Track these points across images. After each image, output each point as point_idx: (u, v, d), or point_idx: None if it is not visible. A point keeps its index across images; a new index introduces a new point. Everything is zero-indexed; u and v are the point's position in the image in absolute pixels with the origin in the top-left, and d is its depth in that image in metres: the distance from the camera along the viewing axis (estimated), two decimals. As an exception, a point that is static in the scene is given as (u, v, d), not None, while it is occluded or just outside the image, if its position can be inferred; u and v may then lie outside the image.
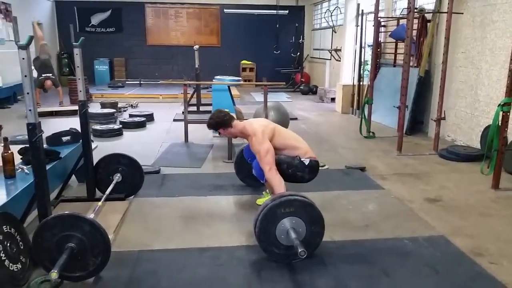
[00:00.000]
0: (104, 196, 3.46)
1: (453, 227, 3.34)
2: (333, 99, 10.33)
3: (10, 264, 2.31)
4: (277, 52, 14.04)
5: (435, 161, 5.31)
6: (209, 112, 7.30)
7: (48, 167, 2.97)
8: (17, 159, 3.23)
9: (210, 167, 5.02)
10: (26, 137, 2.51)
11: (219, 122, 3.46)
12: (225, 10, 14.58)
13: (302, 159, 3.36)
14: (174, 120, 7.84)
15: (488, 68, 5.52)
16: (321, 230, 2.78)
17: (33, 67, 8.34)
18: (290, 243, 2.65)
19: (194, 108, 8.43)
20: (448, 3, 5.61)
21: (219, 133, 3.56)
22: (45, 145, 3.37)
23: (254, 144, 3.30)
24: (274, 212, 2.68)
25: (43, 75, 8.77)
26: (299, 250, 2.47)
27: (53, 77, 8.97)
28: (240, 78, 9.47)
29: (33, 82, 2.43)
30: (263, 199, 3.73)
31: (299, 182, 3.43)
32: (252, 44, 14.83)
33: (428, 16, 6.82)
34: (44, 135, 2.92)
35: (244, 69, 14.54)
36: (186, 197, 3.93)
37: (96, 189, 3.74)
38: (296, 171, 3.36)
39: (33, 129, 2.44)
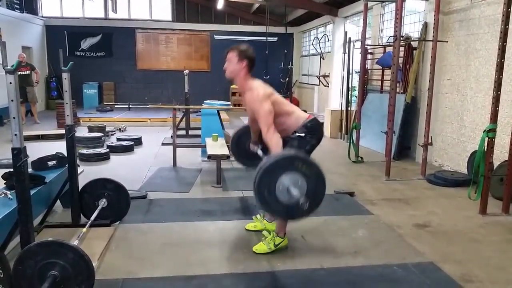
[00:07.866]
0: (89, 222, 3.39)
1: (442, 253, 3.33)
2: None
3: (-11, 294, 2.23)
4: (266, 77, 14.14)
5: (423, 186, 5.34)
6: (198, 136, 7.31)
7: (32, 192, 2.91)
8: (1, 183, 3.18)
9: (198, 192, 4.97)
10: (11, 161, 2.46)
11: (240, 48, 3.27)
12: (215, 37, 14.78)
13: (298, 134, 3.18)
14: (163, 144, 7.77)
15: (473, 95, 5.64)
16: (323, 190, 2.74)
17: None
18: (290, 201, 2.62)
19: (183, 132, 8.41)
20: (433, 32, 5.77)
21: (227, 53, 3.28)
22: (30, 170, 3.31)
23: (253, 100, 3.09)
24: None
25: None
26: (301, 201, 2.51)
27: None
28: (230, 103, 9.59)
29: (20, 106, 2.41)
30: (253, 224, 3.70)
31: (312, 151, 3.23)
32: (241, 69, 14.94)
33: (414, 44, 6.98)
34: (30, 159, 2.88)
35: (233, 94, 14.62)
36: (173, 223, 3.87)
37: (81, 215, 3.67)
38: (302, 147, 3.17)
39: (18, 154, 2.41)
